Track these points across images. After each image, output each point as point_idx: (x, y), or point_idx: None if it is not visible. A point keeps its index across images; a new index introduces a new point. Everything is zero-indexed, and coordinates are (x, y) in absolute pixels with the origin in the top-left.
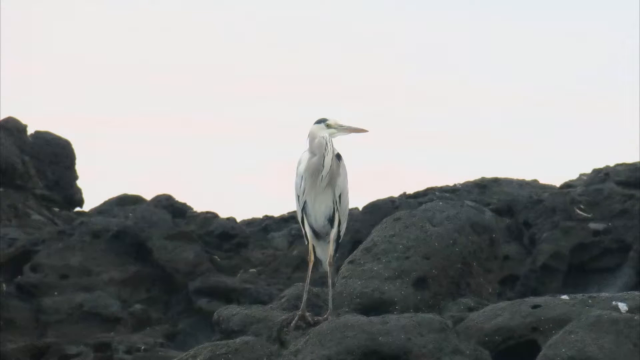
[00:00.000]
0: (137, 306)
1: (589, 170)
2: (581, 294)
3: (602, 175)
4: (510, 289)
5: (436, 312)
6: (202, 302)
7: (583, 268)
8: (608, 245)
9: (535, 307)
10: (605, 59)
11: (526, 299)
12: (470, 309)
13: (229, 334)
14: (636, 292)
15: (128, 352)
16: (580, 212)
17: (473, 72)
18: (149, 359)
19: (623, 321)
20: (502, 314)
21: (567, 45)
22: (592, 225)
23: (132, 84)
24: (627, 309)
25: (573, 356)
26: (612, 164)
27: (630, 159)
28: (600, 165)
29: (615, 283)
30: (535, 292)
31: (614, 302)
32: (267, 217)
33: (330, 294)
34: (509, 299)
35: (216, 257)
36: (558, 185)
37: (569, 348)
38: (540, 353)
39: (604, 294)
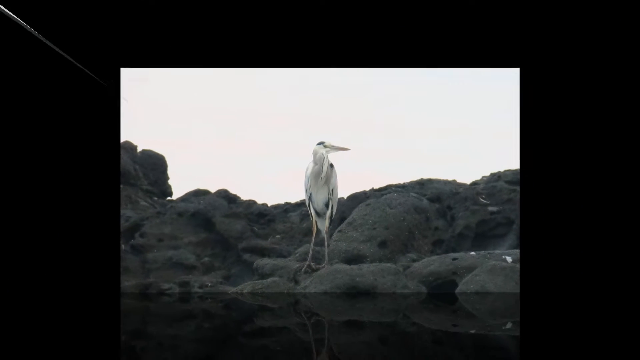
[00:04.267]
0: (206, 259)
1: (487, 174)
2: (483, 251)
3: (496, 177)
4: (438, 248)
5: (392, 262)
6: (247, 256)
7: (484, 235)
8: (500, 221)
9: (454, 259)
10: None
11: (449, 254)
12: (414, 261)
13: (263, 276)
14: (517, 250)
15: (200, 287)
16: (483, 200)
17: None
18: (212, 292)
19: (509, 268)
20: (434, 263)
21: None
22: (490, 208)
23: None
24: (511, 260)
25: (477, 290)
26: (502, 170)
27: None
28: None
29: (504, 244)
30: (454, 250)
31: (503, 256)
32: (287, 203)
33: (326, 251)
34: (437, 255)
35: (255, 228)
36: (469, 183)
37: (475, 284)
38: (457, 288)
39: (497, 251)
